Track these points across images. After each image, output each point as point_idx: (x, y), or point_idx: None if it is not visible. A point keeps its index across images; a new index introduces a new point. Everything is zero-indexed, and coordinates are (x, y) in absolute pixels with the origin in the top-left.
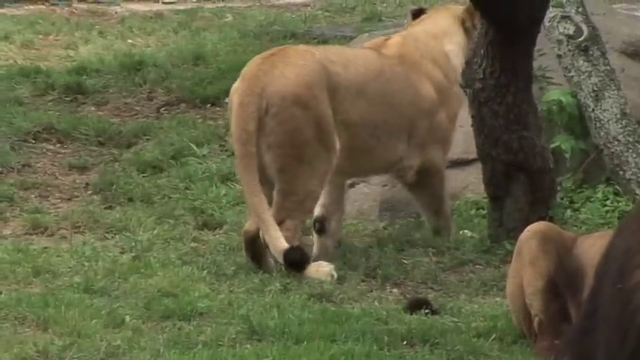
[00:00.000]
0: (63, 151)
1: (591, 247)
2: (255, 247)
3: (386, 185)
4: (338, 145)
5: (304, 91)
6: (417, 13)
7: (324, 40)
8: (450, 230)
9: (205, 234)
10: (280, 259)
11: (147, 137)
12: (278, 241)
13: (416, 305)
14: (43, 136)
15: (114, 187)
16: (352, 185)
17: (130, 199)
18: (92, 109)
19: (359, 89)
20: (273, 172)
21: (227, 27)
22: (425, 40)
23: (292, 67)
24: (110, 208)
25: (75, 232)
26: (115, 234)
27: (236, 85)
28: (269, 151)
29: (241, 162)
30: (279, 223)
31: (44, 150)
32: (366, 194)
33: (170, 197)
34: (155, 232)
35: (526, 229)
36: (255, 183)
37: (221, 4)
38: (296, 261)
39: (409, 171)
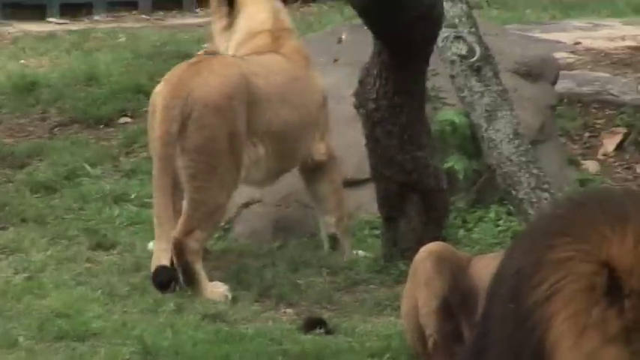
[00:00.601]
0: None
1: (485, 268)
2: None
3: (280, 205)
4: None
5: (225, 102)
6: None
7: None
8: (348, 235)
9: (99, 255)
10: (151, 271)
11: (40, 158)
12: (161, 254)
13: (311, 324)
14: None
15: (7, 207)
16: (246, 205)
17: (23, 220)
18: None
19: (281, 98)
20: (185, 178)
21: (120, 47)
22: (295, 31)
23: (216, 77)
24: (3, 228)
25: None
26: (8, 255)
27: (159, 88)
28: (183, 154)
29: (159, 163)
30: (189, 232)
31: None
32: (260, 214)
33: (63, 218)
34: (49, 252)
35: (421, 250)
36: (168, 187)
37: (114, 25)
38: (161, 283)
39: (319, 160)
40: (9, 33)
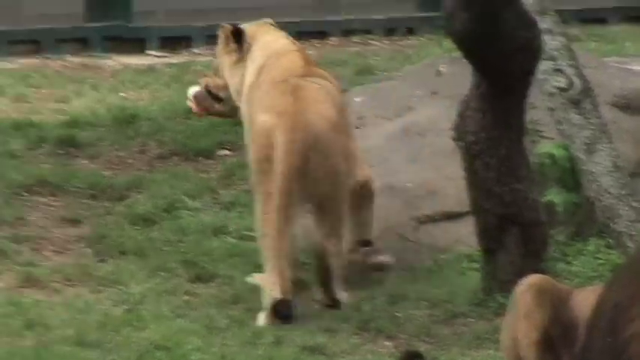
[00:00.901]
0: (56, 204)
1: (585, 300)
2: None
3: (378, 238)
4: None
5: (335, 128)
6: (239, 33)
7: None
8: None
9: (198, 287)
10: (267, 305)
11: (139, 190)
12: (274, 287)
13: (409, 357)
14: (36, 189)
15: (106, 240)
16: None
17: (123, 252)
18: (85, 162)
19: (343, 119)
20: (317, 202)
21: None
22: None
23: (321, 105)
24: (103, 261)
25: (67, 285)
26: (107, 287)
27: (272, 120)
28: (316, 184)
29: (282, 197)
30: (328, 238)
31: (37, 203)
32: None
33: (163, 250)
34: (148, 285)
35: (521, 282)
36: (288, 221)
37: (212, 57)
38: (283, 315)
39: (363, 182)
40: (109, 66)
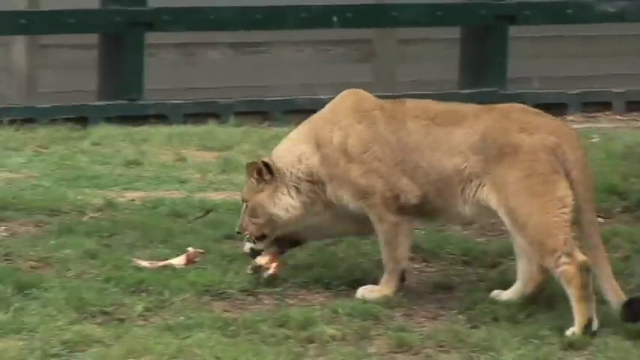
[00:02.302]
0: (428, 270)
1: None
2: None
3: None
4: None
5: None
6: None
7: None
8: None
9: (570, 354)
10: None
11: (512, 257)
12: (613, 293)
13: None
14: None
15: (479, 306)
16: None
17: (495, 319)
18: (457, 228)
19: None
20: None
21: (594, 147)
22: None
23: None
24: (475, 327)
25: (440, 351)
26: (479, 353)
27: (553, 138)
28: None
29: (594, 210)
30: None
31: (411, 269)
32: None
33: (535, 317)
34: (520, 352)
35: None
36: None
37: (588, 125)
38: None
39: None
40: None
